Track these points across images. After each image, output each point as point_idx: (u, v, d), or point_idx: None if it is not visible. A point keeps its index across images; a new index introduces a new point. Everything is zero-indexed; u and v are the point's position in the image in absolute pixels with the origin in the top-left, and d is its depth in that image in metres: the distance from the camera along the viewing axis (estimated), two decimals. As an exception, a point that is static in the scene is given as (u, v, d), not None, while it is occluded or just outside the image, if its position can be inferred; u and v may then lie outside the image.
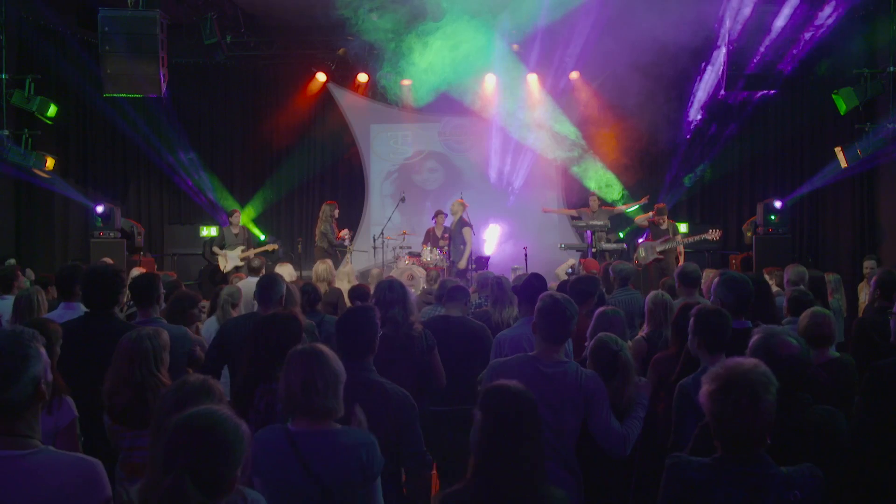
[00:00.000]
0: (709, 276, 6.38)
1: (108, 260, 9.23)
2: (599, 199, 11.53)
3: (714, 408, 2.10)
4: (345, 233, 11.01)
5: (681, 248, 9.82)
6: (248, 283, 6.35)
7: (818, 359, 3.54)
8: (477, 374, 4.00)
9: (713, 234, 9.91)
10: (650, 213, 10.21)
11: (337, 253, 10.71)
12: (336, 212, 10.89)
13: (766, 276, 6.25)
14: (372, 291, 5.79)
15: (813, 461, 2.20)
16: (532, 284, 4.22)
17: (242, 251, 10.52)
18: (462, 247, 10.38)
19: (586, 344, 3.83)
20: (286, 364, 2.47)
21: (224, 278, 9.80)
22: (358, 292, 5.68)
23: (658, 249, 9.69)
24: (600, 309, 4.00)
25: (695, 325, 3.24)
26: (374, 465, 2.43)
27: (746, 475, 2.08)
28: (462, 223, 10.57)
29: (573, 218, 12.00)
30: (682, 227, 10.61)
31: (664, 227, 9.88)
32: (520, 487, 2.11)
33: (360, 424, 2.60)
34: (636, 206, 11.23)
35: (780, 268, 7.96)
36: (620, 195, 12.27)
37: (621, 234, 12.07)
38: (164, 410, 2.06)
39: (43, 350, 2.02)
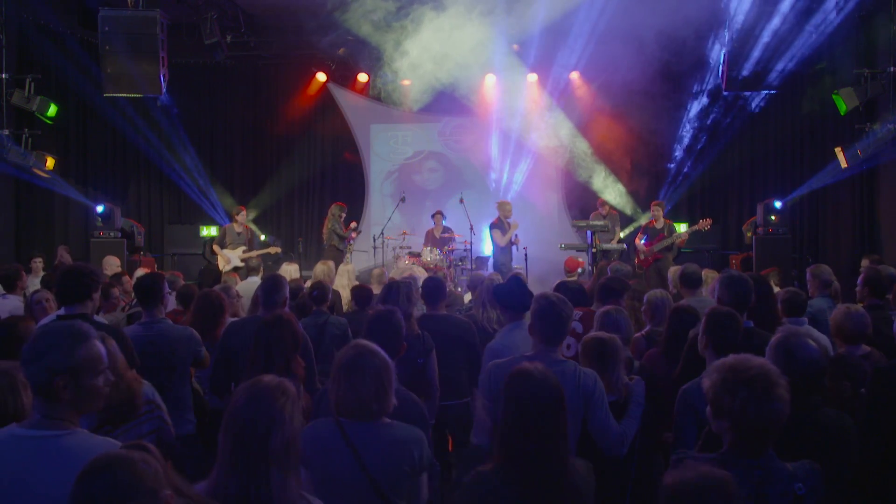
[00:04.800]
0: (709, 277, 6.43)
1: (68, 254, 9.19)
2: (609, 204, 11.47)
3: (728, 399, 2.11)
4: (353, 225, 11.04)
5: (683, 240, 9.74)
6: (249, 284, 6.35)
7: (855, 352, 3.60)
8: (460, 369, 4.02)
9: (703, 224, 9.83)
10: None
11: (347, 252, 10.73)
12: (344, 214, 10.90)
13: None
14: (374, 292, 5.81)
15: (820, 462, 2.21)
16: (511, 289, 4.03)
17: (244, 251, 10.36)
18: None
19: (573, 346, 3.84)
20: (350, 371, 2.46)
21: (219, 278, 9.74)
22: (360, 293, 5.66)
23: (655, 249, 9.68)
24: (603, 309, 3.98)
25: (705, 324, 3.24)
26: (424, 459, 2.48)
27: (752, 468, 2.11)
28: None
29: (573, 218, 12.02)
30: (682, 227, 10.57)
31: (659, 226, 9.85)
32: (546, 467, 2.20)
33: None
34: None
35: (778, 268, 7.97)
36: (624, 201, 12.34)
37: (622, 234, 12.07)
38: (236, 408, 2.03)
39: (98, 347, 2.12)
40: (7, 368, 2.53)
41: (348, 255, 11.09)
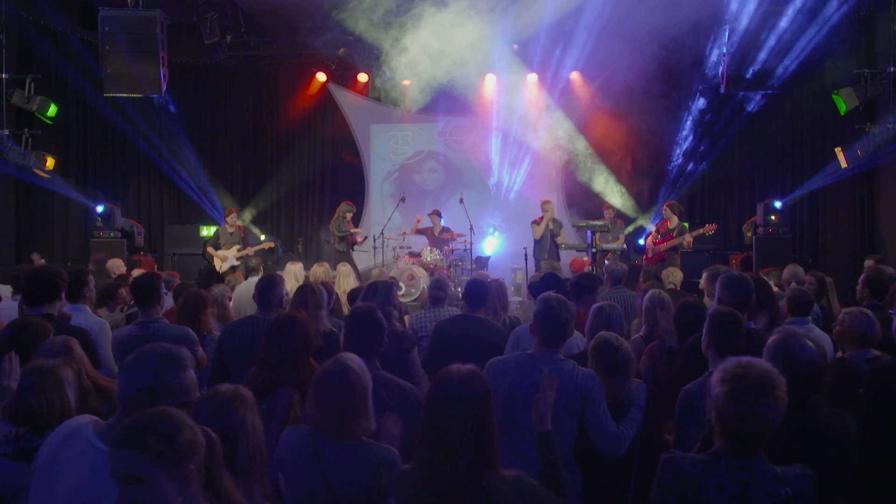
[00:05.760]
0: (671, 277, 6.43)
1: (38, 260, 9.25)
2: (613, 209, 11.40)
3: (729, 404, 2.11)
4: (358, 230, 10.88)
5: (689, 243, 9.66)
6: (248, 285, 6.34)
7: (861, 356, 3.60)
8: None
9: (708, 229, 9.78)
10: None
11: (351, 254, 10.57)
12: (349, 214, 10.68)
13: (764, 277, 6.24)
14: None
15: (820, 462, 2.21)
16: (547, 285, 4.20)
17: (239, 250, 10.41)
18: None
19: (585, 341, 3.83)
20: (318, 387, 2.43)
21: (220, 278, 9.73)
22: (354, 295, 5.67)
23: (662, 249, 9.64)
24: (597, 304, 4.00)
25: (708, 325, 3.24)
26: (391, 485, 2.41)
27: (739, 469, 2.12)
28: (559, 224, 10.43)
29: (573, 218, 12.01)
30: (687, 227, 10.54)
31: (672, 226, 9.81)
32: (456, 473, 2.08)
33: (389, 436, 2.60)
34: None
35: (778, 268, 7.97)
36: (624, 201, 12.32)
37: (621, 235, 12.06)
38: (199, 420, 2.04)
39: (188, 380, 2.11)
40: (51, 367, 2.52)
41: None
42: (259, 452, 2.02)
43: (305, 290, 4.26)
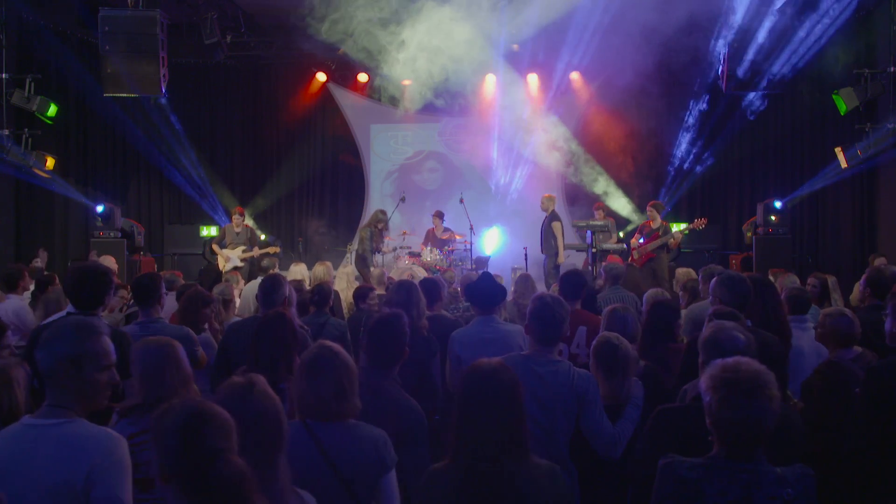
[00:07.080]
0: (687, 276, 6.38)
1: (95, 257, 9.22)
2: (605, 209, 11.37)
3: (724, 412, 2.10)
4: (385, 251, 10.39)
5: (676, 241, 9.60)
6: (255, 284, 6.35)
7: (846, 356, 3.62)
8: None
9: (698, 224, 9.74)
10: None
11: (371, 259, 10.08)
12: (380, 224, 10.05)
13: (771, 278, 6.24)
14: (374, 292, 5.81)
15: (766, 454, 2.19)
16: (480, 286, 4.17)
17: (244, 251, 10.39)
18: (553, 241, 10.02)
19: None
20: (312, 371, 2.46)
21: (219, 278, 9.68)
22: (359, 293, 5.67)
23: (649, 248, 9.60)
24: (610, 307, 4.00)
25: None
26: (388, 458, 2.45)
27: (739, 472, 2.11)
28: (553, 217, 10.16)
29: (573, 218, 12.01)
30: (681, 227, 10.52)
31: (656, 226, 9.78)
32: (499, 463, 2.13)
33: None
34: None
35: (783, 269, 7.97)
36: (624, 201, 12.33)
37: (621, 234, 12.06)
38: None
39: (106, 344, 2.23)
40: (2, 366, 2.56)
41: (348, 255, 11.07)
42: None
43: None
